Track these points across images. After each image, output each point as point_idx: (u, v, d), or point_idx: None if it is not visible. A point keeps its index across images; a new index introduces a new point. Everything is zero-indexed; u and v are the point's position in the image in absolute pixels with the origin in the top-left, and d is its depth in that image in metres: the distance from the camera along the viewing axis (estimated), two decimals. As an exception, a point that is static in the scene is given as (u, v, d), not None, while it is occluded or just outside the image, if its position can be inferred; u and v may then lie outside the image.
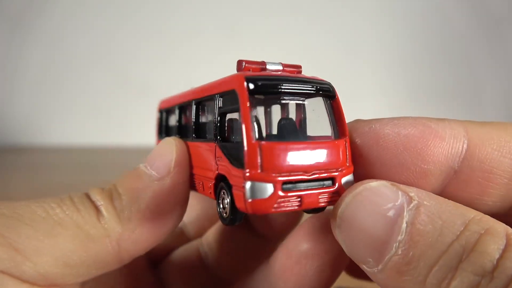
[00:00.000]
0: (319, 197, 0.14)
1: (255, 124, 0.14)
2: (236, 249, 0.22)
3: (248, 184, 0.14)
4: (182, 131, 0.22)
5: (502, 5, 0.81)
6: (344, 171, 0.15)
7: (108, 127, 0.83)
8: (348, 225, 0.14)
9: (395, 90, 0.84)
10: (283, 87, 0.15)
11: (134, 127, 0.83)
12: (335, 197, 0.15)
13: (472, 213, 0.13)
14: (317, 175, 0.15)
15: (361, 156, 0.16)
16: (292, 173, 0.14)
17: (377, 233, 0.13)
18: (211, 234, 0.24)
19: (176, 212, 0.18)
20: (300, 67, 0.17)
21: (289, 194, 0.14)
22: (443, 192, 0.18)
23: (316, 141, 0.15)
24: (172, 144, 0.18)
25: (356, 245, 0.14)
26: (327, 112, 0.16)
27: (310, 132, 0.17)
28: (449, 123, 0.17)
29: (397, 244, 0.13)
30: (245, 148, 0.14)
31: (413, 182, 0.17)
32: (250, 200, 0.13)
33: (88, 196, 0.17)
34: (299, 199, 0.14)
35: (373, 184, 0.14)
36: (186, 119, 0.22)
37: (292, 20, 0.80)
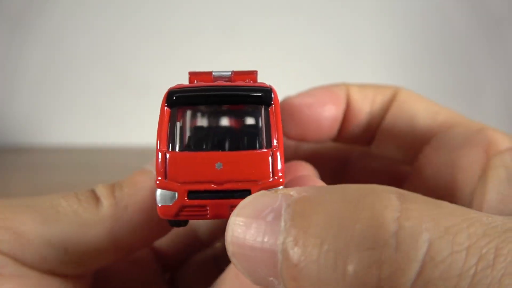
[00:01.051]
0: (230, 208, 0.14)
1: (173, 135, 0.15)
2: None
3: (158, 191, 0.15)
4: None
5: (502, 5, 0.81)
6: (264, 183, 0.15)
7: (108, 127, 0.83)
8: (239, 249, 0.13)
9: (395, 90, 0.84)
10: (203, 97, 0.16)
11: (134, 127, 0.83)
12: None
13: (347, 187, 0.13)
14: (229, 186, 0.15)
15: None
16: (200, 183, 0.15)
17: (264, 244, 0.12)
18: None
19: None
20: (253, 73, 0.17)
21: (194, 203, 0.15)
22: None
23: (230, 152, 0.15)
24: None
25: (253, 268, 0.13)
26: (261, 120, 0.16)
27: (249, 141, 0.17)
28: (334, 89, 0.22)
29: (279, 247, 0.12)
30: (155, 156, 0.15)
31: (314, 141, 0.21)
32: (159, 205, 0.15)
33: (92, 190, 0.18)
34: (206, 208, 0.15)
35: (250, 197, 0.14)
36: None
37: (292, 20, 0.80)
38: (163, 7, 0.79)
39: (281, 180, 0.15)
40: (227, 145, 0.16)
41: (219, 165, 0.15)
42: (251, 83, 0.17)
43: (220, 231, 0.26)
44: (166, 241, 0.25)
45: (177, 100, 0.15)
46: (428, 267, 0.10)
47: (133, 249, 0.18)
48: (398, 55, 0.84)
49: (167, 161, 0.15)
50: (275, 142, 0.15)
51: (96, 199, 0.17)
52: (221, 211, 0.15)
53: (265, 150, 0.15)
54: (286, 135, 0.22)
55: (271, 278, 0.12)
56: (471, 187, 0.19)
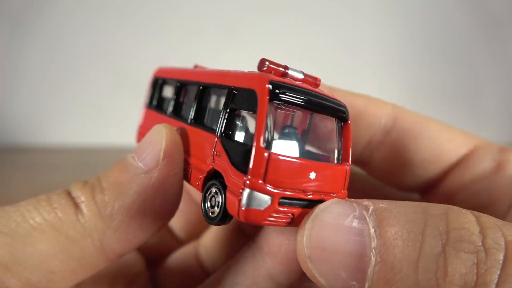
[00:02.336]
0: None
1: (267, 131, 0.14)
2: (232, 251, 0.22)
3: (246, 192, 0.13)
4: (177, 110, 0.20)
5: (502, 5, 0.81)
6: (338, 196, 0.15)
7: (108, 127, 0.83)
8: (320, 252, 0.13)
9: (395, 90, 0.84)
10: (304, 101, 0.15)
11: (135, 127, 0.83)
12: None
13: (423, 203, 0.14)
14: (313, 196, 0.14)
15: None
16: (292, 190, 0.14)
17: (351, 248, 0.13)
18: (208, 239, 0.24)
19: (166, 208, 0.17)
20: (319, 80, 0.17)
21: (284, 209, 0.14)
22: (371, 158, 0.22)
23: (321, 163, 0.15)
24: (161, 132, 0.16)
25: (335, 272, 0.13)
26: (336, 134, 0.16)
27: (308, 146, 0.17)
28: (378, 103, 0.24)
29: (373, 251, 0.13)
30: (253, 154, 0.13)
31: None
32: (244, 208, 0.13)
33: (68, 193, 0.16)
34: (291, 216, 0.14)
35: (325, 204, 0.14)
36: (186, 99, 0.21)
37: (292, 20, 0.80)
38: (163, 7, 0.79)
39: (346, 194, 0.15)
40: (302, 149, 0.16)
41: (313, 175, 0.14)
42: (334, 96, 0.17)
43: (196, 230, 0.25)
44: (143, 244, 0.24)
45: (283, 96, 0.14)
46: (507, 264, 0.12)
47: (125, 253, 0.17)
48: (398, 55, 0.83)
49: (269, 161, 0.13)
50: (349, 158, 0.16)
51: (75, 206, 0.15)
52: (304, 219, 0.14)
53: (345, 165, 0.15)
54: None
55: (353, 282, 0.13)
56: (507, 204, 0.21)
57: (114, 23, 0.79)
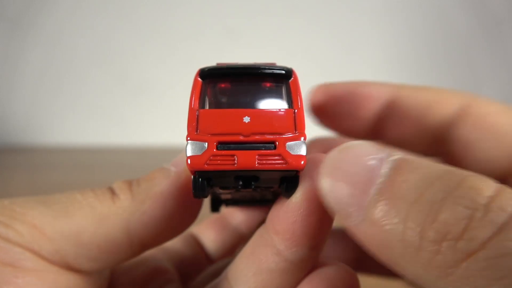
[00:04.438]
0: (256, 158, 0.16)
1: (200, 99, 0.17)
2: None
3: (188, 144, 0.16)
4: None
5: (502, 5, 0.81)
6: (288, 136, 0.16)
7: (108, 127, 0.83)
8: (332, 172, 0.14)
9: (395, 90, 0.84)
10: (231, 72, 0.18)
11: (134, 126, 0.83)
12: (278, 159, 0.16)
13: (450, 167, 0.13)
14: (255, 138, 0.16)
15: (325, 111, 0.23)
16: (227, 135, 0.16)
17: (359, 178, 0.14)
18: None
19: (189, 207, 0.19)
20: (273, 64, 0.19)
21: (224, 153, 0.16)
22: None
23: (255, 109, 0.17)
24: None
25: (339, 194, 0.14)
26: (284, 91, 0.18)
27: (274, 103, 0.18)
28: (379, 85, 0.25)
29: (376, 186, 0.13)
30: (188, 116, 0.16)
31: (353, 127, 0.24)
32: (188, 156, 0.15)
33: (109, 187, 0.18)
34: (233, 158, 0.16)
35: (355, 142, 0.15)
36: None
37: (292, 20, 0.80)
38: (163, 7, 0.79)
39: (303, 135, 0.16)
40: (254, 105, 0.18)
41: (246, 119, 0.16)
42: (274, 64, 0.19)
43: (227, 249, 0.27)
44: (177, 254, 0.25)
45: (208, 73, 0.17)
46: (504, 229, 0.11)
47: (147, 245, 0.19)
48: (398, 55, 0.84)
49: (198, 116, 0.16)
50: (298, 105, 0.17)
51: (112, 193, 0.18)
52: (249, 161, 0.16)
53: (291, 109, 0.17)
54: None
55: (353, 208, 0.13)
56: None
57: (114, 23, 0.79)
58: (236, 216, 0.28)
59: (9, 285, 0.15)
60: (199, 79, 0.17)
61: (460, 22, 0.82)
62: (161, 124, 0.80)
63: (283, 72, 0.18)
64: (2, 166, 0.69)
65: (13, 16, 0.77)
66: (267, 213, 0.18)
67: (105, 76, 0.81)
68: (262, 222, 0.22)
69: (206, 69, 0.18)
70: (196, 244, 0.26)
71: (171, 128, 0.71)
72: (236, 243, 0.27)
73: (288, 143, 0.16)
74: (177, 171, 0.18)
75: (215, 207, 0.18)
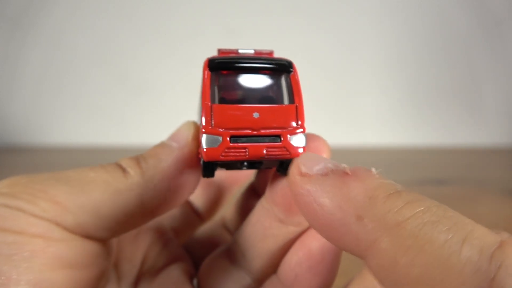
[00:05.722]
0: (264, 150, 0.18)
1: (212, 93, 0.18)
2: (250, 211, 0.25)
3: (203, 137, 0.17)
4: None
5: (502, 5, 0.81)
6: (290, 130, 0.18)
7: (108, 127, 0.83)
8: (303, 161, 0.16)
9: (395, 90, 0.84)
10: (238, 63, 0.19)
11: (134, 126, 0.83)
12: (282, 151, 0.18)
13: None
14: (263, 132, 0.18)
15: None
16: (240, 130, 0.18)
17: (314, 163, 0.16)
18: (230, 209, 0.27)
19: (192, 178, 0.21)
20: (271, 53, 0.21)
21: (236, 145, 0.17)
22: None
23: (263, 106, 0.18)
24: (190, 123, 0.21)
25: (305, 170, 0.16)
26: (286, 85, 0.19)
27: (273, 102, 0.20)
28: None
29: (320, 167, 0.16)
30: (202, 110, 0.17)
31: None
32: (204, 149, 0.17)
33: (117, 163, 0.19)
34: (245, 150, 0.17)
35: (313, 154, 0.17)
36: None
37: (292, 20, 0.80)
38: (163, 7, 0.79)
39: (303, 128, 0.18)
40: (260, 97, 0.20)
41: (256, 114, 0.18)
42: (275, 56, 0.20)
43: (214, 204, 0.28)
44: (170, 214, 0.27)
45: (217, 65, 0.19)
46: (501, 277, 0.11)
47: (158, 214, 0.21)
48: (398, 55, 0.84)
49: (213, 112, 0.18)
50: (298, 99, 0.19)
51: (123, 169, 0.19)
52: (258, 152, 0.18)
53: (291, 105, 0.19)
54: None
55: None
56: None
57: (114, 23, 0.79)
58: (218, 172, 0.28)
59: (44, 254, 0.16)
60: (209, 71, 0.19)
61: (460, 22, 0.82)
62: (161, 124, 0.80)
63: (286, 63, 0.19)
64: (2, 166, 0.69)
65: (13, 16, 0.77)
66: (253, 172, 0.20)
67: (105, 76, 0.81)
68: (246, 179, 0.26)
69: (216, 60, 0.19)
70: (185, 202, 0.28)
71: (171, 128, 0.70)
72: (222, 198, 0.28)
73: (291, 136, 0.18)
74: (179, 146, 0.20)
75: (209, 173, 0.19)
